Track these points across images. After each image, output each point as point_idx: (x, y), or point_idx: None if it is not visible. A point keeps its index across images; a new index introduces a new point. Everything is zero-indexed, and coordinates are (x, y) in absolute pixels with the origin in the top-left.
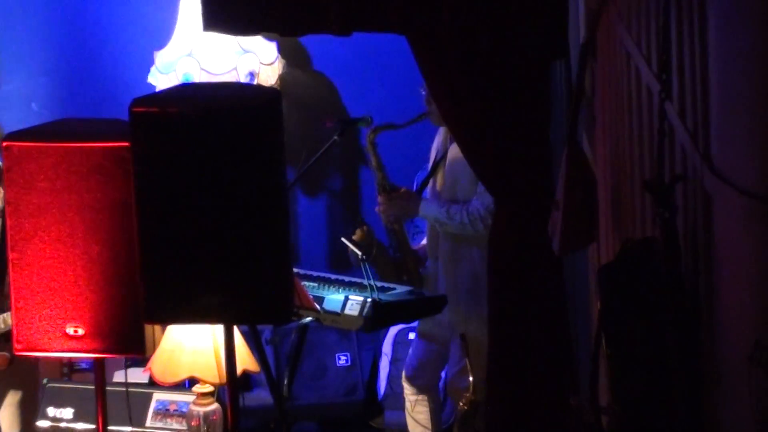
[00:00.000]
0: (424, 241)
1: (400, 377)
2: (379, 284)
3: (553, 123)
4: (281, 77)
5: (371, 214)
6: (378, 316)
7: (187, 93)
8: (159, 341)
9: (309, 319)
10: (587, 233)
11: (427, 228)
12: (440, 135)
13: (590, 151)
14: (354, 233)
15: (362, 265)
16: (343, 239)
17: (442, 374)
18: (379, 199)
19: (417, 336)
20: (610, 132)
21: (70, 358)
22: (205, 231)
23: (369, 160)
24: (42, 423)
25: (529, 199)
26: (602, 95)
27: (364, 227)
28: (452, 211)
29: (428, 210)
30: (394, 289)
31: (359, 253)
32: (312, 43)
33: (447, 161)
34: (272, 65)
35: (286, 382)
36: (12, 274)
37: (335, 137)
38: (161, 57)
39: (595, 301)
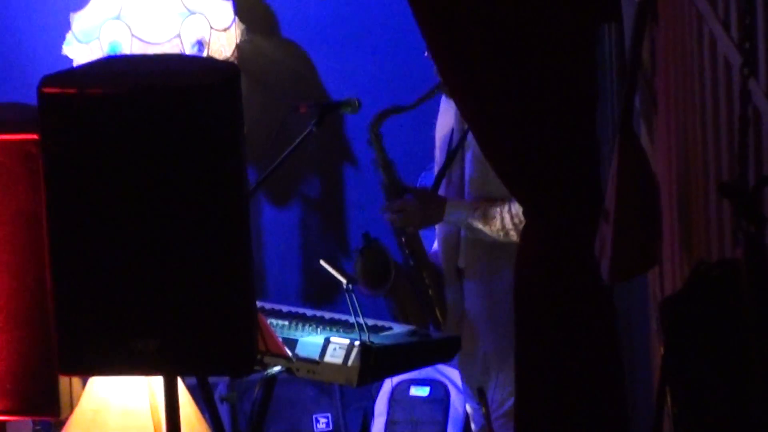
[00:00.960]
0: (435, 246)
1: None
2: (370, 322)
3: (600, 107)
4: (239, 47)
5: (365, 226)
6: (369, 365)
7: (115, 69)
8: (78, 399)
9: (277, 368)
10: (646, 254)
11: (442, 236)
12: (452, 113)
13: (649, 145)
14: (362, 255)
15: (348, 297)
16: (323, 263)
17: None
18: (389, 205)
19: None
20: (676, 119)
21: None
22: (138, 253)
23: (374, 159)
24: None
25: (569, 208)
26: (665, 71)
27: (374, 244)
28: (490, 212)
29: (456, 213)
30: (390, 328)
31: (344, 281)
32: (281, 3)
33: (470, 146)
34: (227, 31)
35: None
36: None
37: (311, 127)
38: (80, 20)
39: (657, 344)
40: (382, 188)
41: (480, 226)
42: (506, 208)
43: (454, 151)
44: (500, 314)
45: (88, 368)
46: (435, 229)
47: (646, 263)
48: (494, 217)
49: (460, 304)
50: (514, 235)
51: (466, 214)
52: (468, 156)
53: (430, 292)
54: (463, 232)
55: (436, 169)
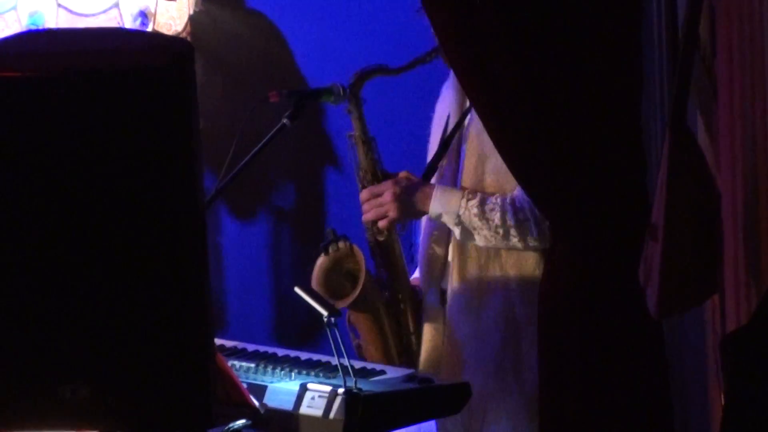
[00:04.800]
0: (416, 275)
1: None
2: (357, 364)
3: (646, 97)
4: (193, 20)
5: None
6: (356, 418)
7: (36, 46)
8: None
9: (241, 422)
10: (702, 281)
11: (425, 245)
12: (452, 93)
13: (708, 145)
14: (325, 253)
15: (330, 333)
16: (298, 290)
17: None
18: (364, 193)
19: None
20: (742, 113)
21: None
22: (64, 278)
23: (349, 133)
24: None
25: (606, 224)
26: (728, 53)
27: (342, 242)
28: (488, 203)
29: (445, 203)
30: (383, 372)
31: (324, 312)
32: None
33: (468, 133)
34: (177, 0)
35: None
36: None
37: (284, 120)
38: None
39: (716, 392)
40: (355, 173)
41: (475, 221)
42: (508, 199)
43: (448, 139)
44: (488, 349)
45: (4, 421)
46: (418, 251)
47: (702, 292)
48: (493, 210)
49: (440, 335)
50: (515, 237)
51: (457, 205)
52: (463, 149)
53: (407, 317)
54: (450, 247)
55: (428, 160)
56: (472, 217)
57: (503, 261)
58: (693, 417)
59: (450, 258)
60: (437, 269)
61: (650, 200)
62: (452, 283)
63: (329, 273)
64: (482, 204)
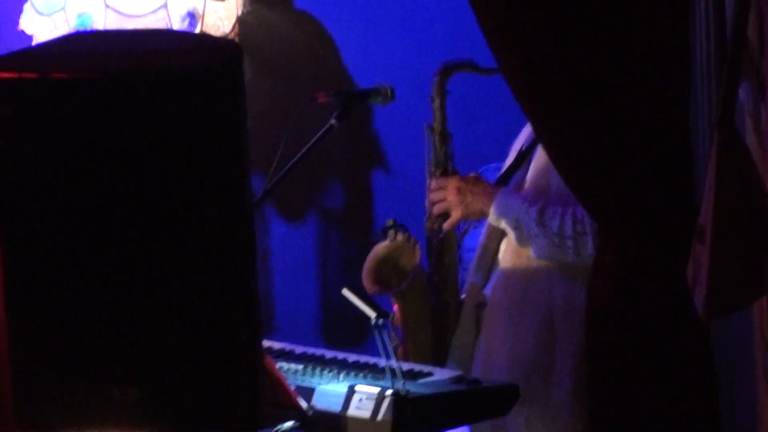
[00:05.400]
0: (470, 279)
1: None
2: (405, 366)
3: (693, 97)
4: (241, 21)
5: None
6: (404, 420)
7: (84, 47)
8: None
9: (289, 424)
10: (751, 282)
11: (481, 240)
12: None
13: (756, 146)
14: (384, 237)
15: (378, 335)
16: (346, 292)
17: None
18: (433, 183)
19: None
20: None
21: None
22: (114, 280)
23: (427, 124)
24: None
25: (654, 225)
26: None
27: (401, 233)
28: (548, 211)
29: (507, 205)
30: (431, 374)
31: (372, 314)
32: None
33: (536, 155)
34: (226, 0)
35: None
36: None
37: (332, 121)
38: None
39: (764, 391)
40: (427, 166)
41: (533, 226)
42: (570, 210)
43: (525, 152)
44: (521, 356)
45: (50, 422)
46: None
47: (750, 294)
48: (553, 218)
49: (473, 335)
50: (569, 249)
51: (518, 209)
52: (533, 157)
53: (450, 320)
54: (502, 247)
55: (504, 168)
56: (531, 222)
57: (551, 271)
58: (740, 419)
59: (500, 258)
60: (485, 268)
61: (698, 201)
62: (497, 284)
63: (383, 262)
64: (543, 211)
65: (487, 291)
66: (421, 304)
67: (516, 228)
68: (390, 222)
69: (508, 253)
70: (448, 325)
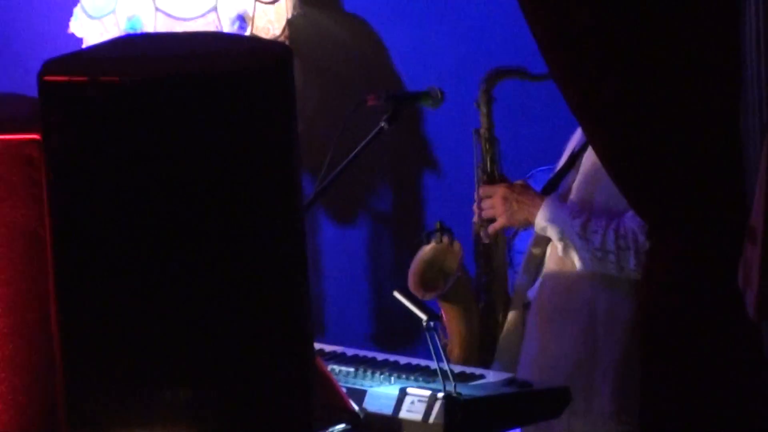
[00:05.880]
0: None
1: None
2: (457, 368)
3: (744, 99)
4: (291, 23)
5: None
6: (456, 422)
7: (135, 50)
8: None
9: (341, 427)
10: None
11: (528, 251)
12: None
13: None
14: (427, 242)
15: (429, 337)
16: (397, 294)
17: None
18: (481, 190)
19: None
20: None
21: None
22: (165, 280)
23: (475, 129)
24: None
25: (705, 225)
26: None
27: (447, 238)
28: (592, 224)
29: (551, 218)
30: (482, 376)
31: (423, 316)
32: None
33: (583, 162)
34: (276, 3)
35: None
36: None
37: (382, 123)
38: None
39: None
40: (475, 171)
41: (576, 239)
42: (613, 224)
43: (575, 156)
44: (562, 364)
45: (102, 423)
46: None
47: None
48: (596, 232)
49: (516, 345)
50: (611, 264)
51: (562, 221)
52: (580, 164)
53: (498, 324)
54: (548, 253)
55: (553, 172)
56: (574, 235)
57: (595, 280)
58: None
59: (546, 262)
60: (532, 270)
61: (748, 201)
62: (541, 288)
63: (428, 265)
64: (586, 224)
65: (531, 293)
66: (466, 306)
67: (560, 239)
68: (436, 225)
69: (552, 258)
70: (497, 326)
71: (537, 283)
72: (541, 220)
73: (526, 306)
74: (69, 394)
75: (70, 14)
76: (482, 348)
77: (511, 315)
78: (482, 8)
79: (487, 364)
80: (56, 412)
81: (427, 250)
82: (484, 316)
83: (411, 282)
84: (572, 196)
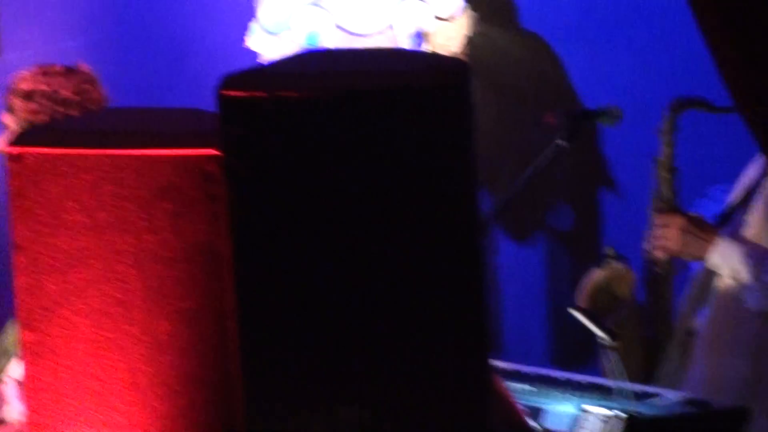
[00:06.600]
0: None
1: None
2: (636, 388)
3: None
4: (469, 41)
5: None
6: None
7: (313, 66)
8: None
9: None
10: None
11: (694, 279)
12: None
13: None
14: (600, 264)
15: (607, 356)
16: (574, 312)
17: None
18: (658, 219)
19: None
20: None
21: None
22: (345, 297)
23: (655, 157)
24: None
25: None
26: None
27: (619, 263)
28: (765, 265)
29: (724, 257)
30: (657, 395)
31: (603, 335)
32: None
33: (756, 198)
34: (454, 21)
35: None
36: (26, 366)
37: (560, 141)
38: (269, 6)
39: None
40: (652, 198)
41: (749, 280)
42: None
43: (750, 191)
44: (725, 394)
45: None
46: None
47: None
48: None
49: (677, 373)
50: None
51: (736, 261)
52: (756, 197)
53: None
54: (715, 284)
55: (727, 203)
56: (747, 275)
57: (763, 315)
58: None
59: (712, 291)
60: (697, 298)
61: None
62: (708, 318)
63: (598, 291)
64: (760, 264)
65: (698, 320)
66: (633, 335)
67: (732, 278)
68: (609, 251)
69: (721, 291)
70: (659, 354)
71: (702, 312)
72: (714, 257)
73: (688, 334)
74: (248, 410)
75: (246, 30)
76: (645, 375)
77: (672, 342)
78: (661, 28)
79: None
80: (234, 429)
81: (599, 274)
82: (648, 344)
83: (581, 305)
84: (746, 232)
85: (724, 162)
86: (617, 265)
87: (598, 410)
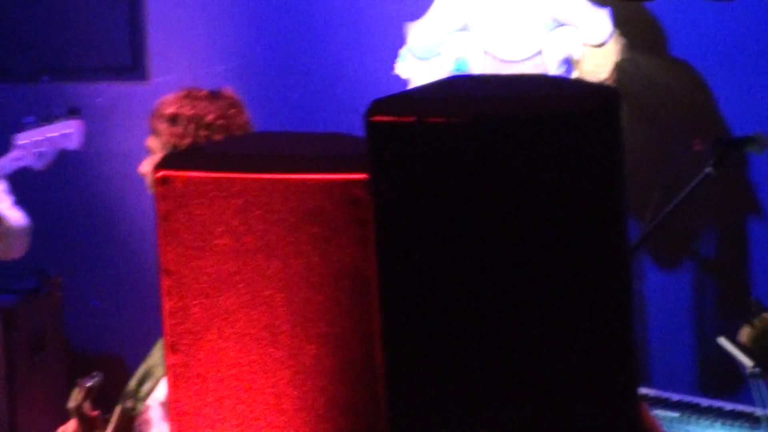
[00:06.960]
0: None
1: None
2: None
3: None
4: (618, 67)
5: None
6: None
7: (462, 92)
8: None
9: None
10: None
11: None
12: None
13: None
14: (749, 326)
15: (753, 383)
16: (722, 341)
17: None
18: None
19: None
20: None
21: None
22: (489, 326)
23: None
24: None
25: None
26: None
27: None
28: None
29: None
30: None
31: (749, 363)
32: (670, 13)
33: None
34: (603, 47)
35: None
36: (172, 388)
37: (708, 169)
38: (418, 32)
39: None
40: None
41: None
42: None
43: None
44: None
45: None
46: None
47: None
48: None
49: None
50: None
51: None
52: None
53: None
54: None
55: None
56: None
57: None
58: None
59: None
60: None
61: None
62: None
63: (757, 341)
64: None
65: None
66: None
67: None
68: (753, 305)
69: None
70: None
71: None
72: None
73: None
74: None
75: (394, 56)
76: None
77: None
78: None
79: None
80: None
81: (749, 333)
82: None
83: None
84: None
85: None
86: (765, 315)
87: None
